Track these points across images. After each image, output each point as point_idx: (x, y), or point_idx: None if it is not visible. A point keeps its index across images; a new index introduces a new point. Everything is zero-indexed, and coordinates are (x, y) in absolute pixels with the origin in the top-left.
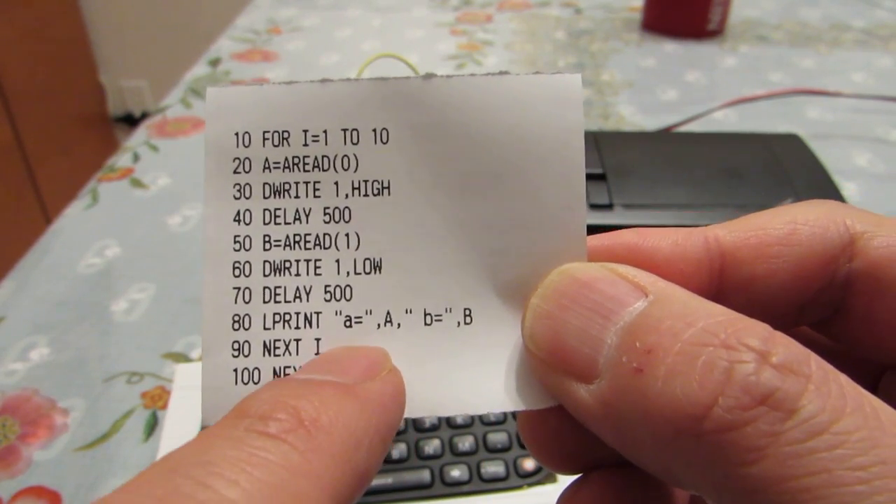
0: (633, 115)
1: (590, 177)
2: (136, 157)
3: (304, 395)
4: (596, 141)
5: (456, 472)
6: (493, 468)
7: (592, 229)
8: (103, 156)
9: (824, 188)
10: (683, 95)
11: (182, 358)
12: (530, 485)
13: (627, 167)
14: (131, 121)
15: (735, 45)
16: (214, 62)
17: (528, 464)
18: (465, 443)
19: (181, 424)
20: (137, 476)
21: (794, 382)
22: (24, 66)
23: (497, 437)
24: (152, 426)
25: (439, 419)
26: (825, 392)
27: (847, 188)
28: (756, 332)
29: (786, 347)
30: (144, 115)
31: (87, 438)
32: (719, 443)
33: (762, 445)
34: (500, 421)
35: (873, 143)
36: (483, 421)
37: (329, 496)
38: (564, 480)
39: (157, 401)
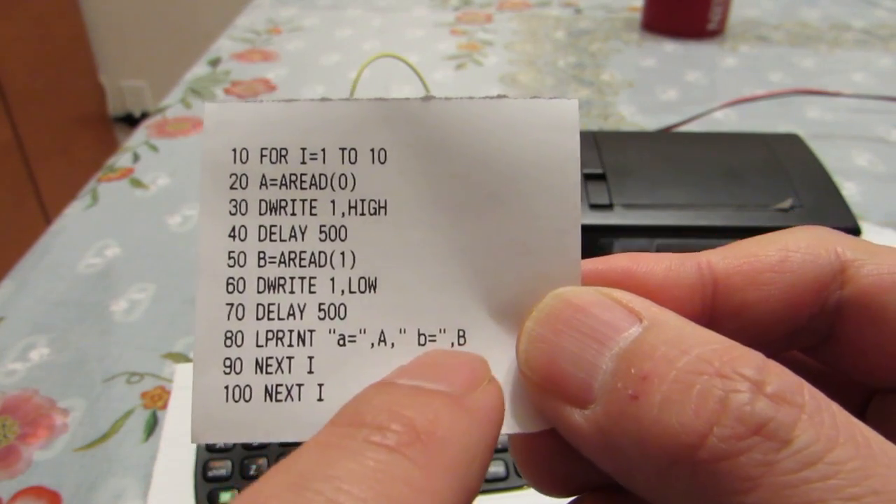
0: (633, 115)
1: (590, 177)
2: (135, 157)
3: (416, 405)
4: (596, 141)
5: None
6: (493, 468)
7: (592, 229)
8: (103, 156)
9: (824, 188)
10: (683, 95)
11: (182, 358)
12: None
13: (627, 167)
14: (131, 121)
15: (735, 45)
16: (214, 62)
17: None
18: None
19: (181, 424)
20: (256, 486)
21: (787, 412)
22: (24, 66)
23: None
24: (152, 426)
25: None
26: (818, 422)
27: (847, 188)
28: (750, 361)
29: (779, 377)
30: (144, 116)
31: (87, 438)
32: (714, 472)
33: (757, 475)
34: None
35: (873, 143)
36: None
37: None
38: None
39: (156, 401)
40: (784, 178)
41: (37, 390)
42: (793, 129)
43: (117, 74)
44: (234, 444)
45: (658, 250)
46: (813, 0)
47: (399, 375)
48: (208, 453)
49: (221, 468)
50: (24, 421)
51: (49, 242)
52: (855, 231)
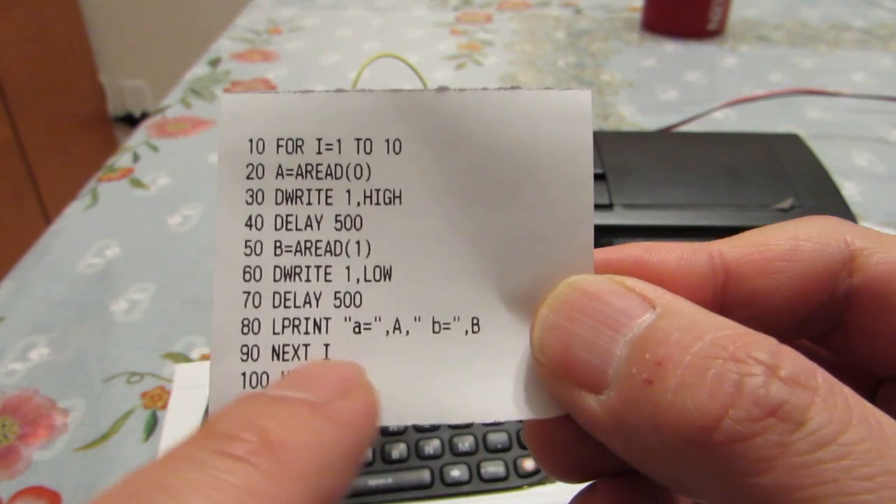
0: (633, 115)
1: None
2: (135, 157)
3: (275, 414)
4: (596, 141)
5: (456, 472)
6: (493, 468)
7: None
8: (103, 156)
9: (824, 188)
10: (683, 95)
11: (182, 358)
12: (530, 485)
13: (627, 167)
14: (131, 121)
15: (735, 45)
16: (214, 62)
17: (528, 464)
18: (465, 443)
19: (181, 424)
20: (95, 501)
21: (801, 395)
22: (24, 66)
23: (497, 437)
24: (152, 426)
25: None
26: (831, 404)
27: (847, 188)
28: (764, 345)
29: (793, 361)
30: (144, 115)
31: (87, 438)
32: (729, 453)
33: (771, 456)
34: (499, 421)
35: (873, 143)
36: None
37: None
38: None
39: (156, 401)
40: (784, 178)
41: (37, 390)
42: (793, 129)
43: (117, 74)
44: None
45: None
46: (813, 0)
47: (270, 388)
48: None
49: None
50: (24, 421)
51: (49, 242)
52: None
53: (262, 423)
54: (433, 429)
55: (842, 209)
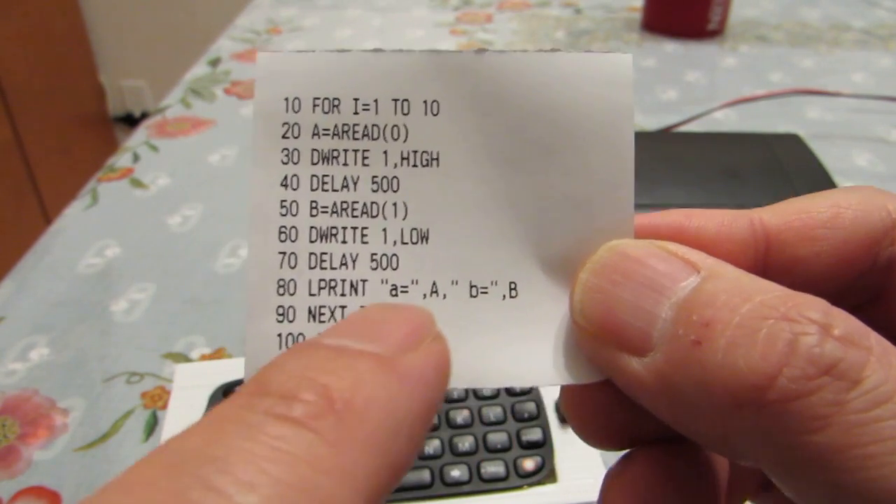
0: (634, 116)
1: None
2: (135, 157)
3: (336, 370)
4: None
5: (456, 472)
6: (493, 468)
7: None
8: (103, 156)
9: (824, 188)
10: (683, 95)
11: (182, 358)
12: (530, 485)
13: None
14: (131, 121)
15: (735, 45)
16: (214, 62)
17: (528, 464)
18: (465, 443)
19: (181, 424)
20: (132, 469)
21: (856, 354)
22: (24, 66)
23: (497, 437)
24: (152, 426)
25: (439, 418)
26: (886, 364)
27: None
28: (816, 305)
29: (846, 321)
30: (144, 115)
31: (87, 438)
32: (784, 412)
33: (827, 414)
34: (500, 421)
35: (873, 143)
36: (483, 421)
37: (362, 496)
38: (565, 481)
39: (157, 401)
40: (784, 178)
41: (37, 390)
42: (793, 129)
43: (117, 74)
44: None
45: None
46: (813, 0)
47: (327, 334)
48: None
49: None
50: (24, 421)
51: (49, 242)
52: None
53: (322, 379)
54: (433, 428)
55: None
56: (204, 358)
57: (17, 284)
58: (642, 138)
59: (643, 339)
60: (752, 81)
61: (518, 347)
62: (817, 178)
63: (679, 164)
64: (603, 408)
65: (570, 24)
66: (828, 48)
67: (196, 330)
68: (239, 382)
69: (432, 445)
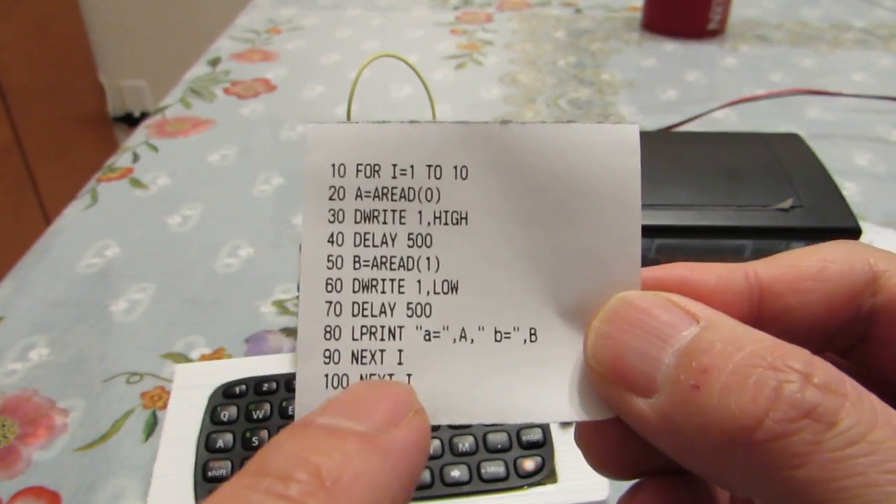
0: (633, 115)
1: None
2: (135, 157)
3: (327, 450)
4: None
5: (456, 473)
6: (493, 468)
7: None
8: (103, 156)
9: (824, 188)
10: (683, 95)
11: (182, 358)
12: (530, 485)
13: None
14: (131, 121)
15: (735, 45)
16: (214, 62)
17: (528, 464)
18: (465, 443)
19: (181, 424)
20: None
21: (833, 399)
22: (24, 66)
23: (497, 438)
24: (152, 426)
25: None
26: (860, 408)
27: (847, 188)
28: (799, 355)
29: (825, 369)
30: (144, 115)
31: (87, 439)
32: (769, 450)
33: (807, 452)
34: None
35: (873, 143)
36: None
37: None
38: (565, 481)
39: (156, 401)
40: (784, 178)
41: (36, 390)
42: (793, 129)
43: (117, 74)
44: (234, 444)
45: (658, 250)
46: (813, 0)
47: (320, 413)
48: (208, 453)
49: (221, 468)
50: (23, 421)
51: (49, 242)
52: (855, 231)
53: (314, 459)
54: (433, 429)
55: (842, 209)
56: (203, 358)
57: (16, 284)
58: (642, 138)
59: (648, 381)
60: (752, 81)
61: (537, 386)
62: (817, 178)
63: (679, 164)
64: (614, 442)
65: (570, 23)
66: (828, 48)
67: (196, 330)
68: (238, 383)
69: (432, 445)
